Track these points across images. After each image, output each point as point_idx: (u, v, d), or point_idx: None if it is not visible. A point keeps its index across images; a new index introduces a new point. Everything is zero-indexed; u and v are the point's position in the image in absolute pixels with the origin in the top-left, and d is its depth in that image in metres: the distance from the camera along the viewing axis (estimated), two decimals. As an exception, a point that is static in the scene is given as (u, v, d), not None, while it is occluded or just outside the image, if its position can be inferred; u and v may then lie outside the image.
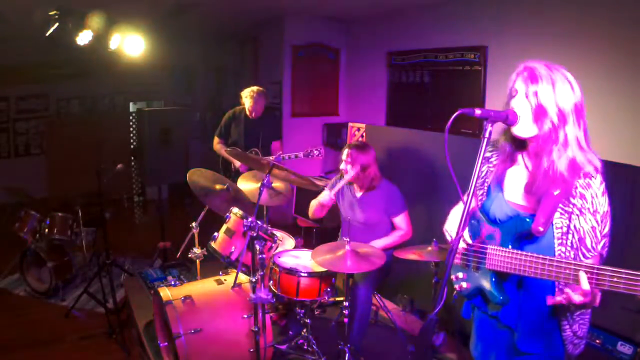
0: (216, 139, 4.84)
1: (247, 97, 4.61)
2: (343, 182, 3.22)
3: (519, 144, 1.60)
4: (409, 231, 3.25)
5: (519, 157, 1.61)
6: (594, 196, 1.44)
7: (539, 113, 1.44)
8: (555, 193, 1.46)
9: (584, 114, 1.47)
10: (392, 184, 3.28)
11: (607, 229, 1.47)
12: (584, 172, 1.44)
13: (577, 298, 1.31)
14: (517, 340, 1.57)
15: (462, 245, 1.62)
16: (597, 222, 1.44)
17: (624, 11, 3.20)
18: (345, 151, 3.25)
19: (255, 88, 4.65)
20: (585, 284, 1.26)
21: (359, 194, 3.32)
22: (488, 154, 1.72)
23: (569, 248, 1.47)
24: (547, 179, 1.45)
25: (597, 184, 1.44)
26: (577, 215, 1.45)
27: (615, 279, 1.20)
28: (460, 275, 1.68)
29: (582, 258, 1.46)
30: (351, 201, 3.34)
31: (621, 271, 1.20)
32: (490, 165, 1.70)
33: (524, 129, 1.48)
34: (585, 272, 1.26)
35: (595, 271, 1.25)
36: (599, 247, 1.46)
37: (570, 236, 1.47)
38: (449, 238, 1.69)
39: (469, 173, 1.44)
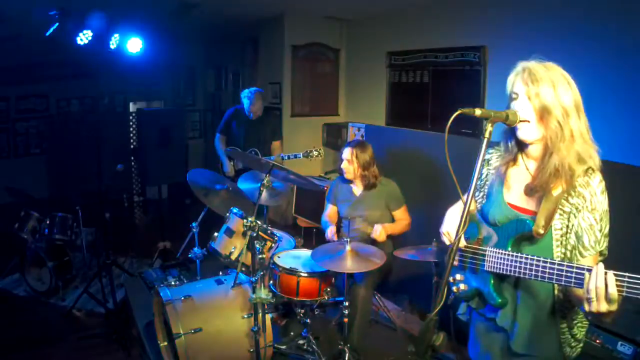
0: (218, 135, 4.86)
1: (245, 98, 4.64)
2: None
3: (519, 145, 1.60)
4: (410, 223, 3.32)
5: (519, 158, 1.61)
6: (592, 194, 1.43)
7: (544, 113, 1.44)
8: (556, 194, 1.45)
9: (582, 109, 1.47)
10: (389, 179, 3.33)
11: (607, 229, 1.46)
12: (584, 169, 1.44)
13: (603, 308, 1.22)
14: (513, 343, 1.57)
15: (461, 244, 1.62)
16: (595, 220, 1.43)
17: (624, 10, 3.20)
18: (347, 150, 3.27)
19: (253, 89, 4.67)
20: (612, 287, 1.20)
21: (358, 192, 3.34)
22: (487, 156, 1.71)
23: (568, 248, 1.47)
24: (556, 175, 1.44)
25: (596, 182, 1.44)
26: (575, 214, 1.44)
27: (617, 282, 1.19)
28: (459, 277, 1.67)
29: (579, 257, 1.45)
30: (351, 200, 3.35)
31: (624, 275, 1.19)
32: (490, 167, 1.70)
33: (531, 131, 1.47)
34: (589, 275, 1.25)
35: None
36: (599, 246, 1.45)
37: (568, 236, 1.46)
38: (447, 241, 1.68)
39: (469, 173, 1.44)
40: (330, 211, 3.55)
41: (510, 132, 1.59)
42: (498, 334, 1.64)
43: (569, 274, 1.30)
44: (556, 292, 1.51)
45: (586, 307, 1.25)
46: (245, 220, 2.59)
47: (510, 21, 3.99)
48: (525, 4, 3.87)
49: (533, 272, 1.37)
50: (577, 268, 1.29)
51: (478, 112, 1.39)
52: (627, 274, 1.19)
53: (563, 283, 1.32)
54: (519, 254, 1.43)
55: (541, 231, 1.43)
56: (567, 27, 3.52)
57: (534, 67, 1.46)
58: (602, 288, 1.21)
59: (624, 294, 1.19)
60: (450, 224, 1.70)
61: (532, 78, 1.44)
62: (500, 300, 1.54)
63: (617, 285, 1.19)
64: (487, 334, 1.70)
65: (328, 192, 3.59)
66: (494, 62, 4.20)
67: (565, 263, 1.32)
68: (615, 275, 1.20)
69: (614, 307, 1.22)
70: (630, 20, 3.16)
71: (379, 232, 3.10)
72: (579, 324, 1.55)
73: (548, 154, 1.47)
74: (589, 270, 1.25)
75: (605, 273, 1.21)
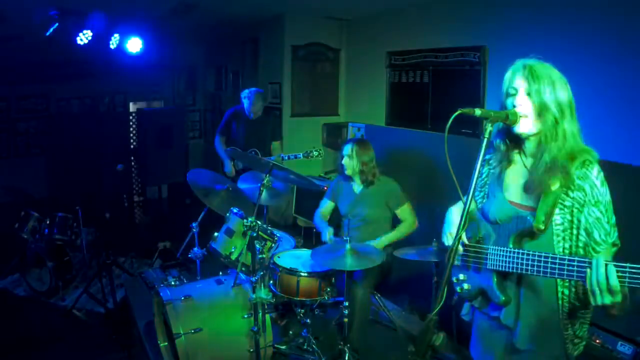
0: (217, 137, 4.86)
1: (245, 98, 4.64)
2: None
3: (515, 144, 1.61)
4: (414, 221, 3.28)
5: (516, 156, 1.62)
6: (593, 187, 1.44)
7: (542, 110, 1.46)
8: (554, 189, 1.46)
9: (575, 112, 1.50)
10: (391, 179, 3.32)
11: (614, 219, 1.47)
12: (581, 161, 1.45)
13: (607, 300, 1.24)
14: (517, 340, 1.57)
15: (460, 247, 1.62)
16: (600, 213, 1.44)
17: (625, 10, 3.20)
18: (348, 146, 3.28)
19: (253, 89, 4.67)
20: (614, 280, 1.21)
21: (358, 189, 3.34)
22: (488, 156, 1.73)
23: (574, 243, 1.47)
24: (550, 173, 1.46)
25: (595, 174, 1.45)
26: (579, 209, 1.45)
27: (619, 273, 1.21)
28: (462, 277, 1.67)
29: (592, 252, 1.46)
30: (351, 198, 3.36)
31: (625, 265, 1.20)
32: (491, 167, 1.71)
33: (528, 126, 1.49)
34: (590, 268, 1.26)
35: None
36: (610, 238, 1.46)
37: (574, 231, 1.47)
38: (446, 242, 1.70)
39: (469, 173, 1.44)
40: (325, 209, 3.53)
41: (503, 132, 1.60)
42: (502, 332, 1.64)
43: (570, 268, 1.31)
44: (560, 288, 1.51)
45: (592, 300, 1.26)
46: (245, 220, 2.59)
47: (510, 21, 3.99)
48: (525, 4, 3.87)
49: (535, 268, 1.38)
50: (578, 262, 1.30)
51: (478, 112, 1.41)
52: (628, 265, 1.20)
53: (565, 277, 1.33)
54: (521, 251, 1.43)
55: (541, 227, 1.44)
56: (567, 27, 3.51)
57: (534, 65, 1.49)
58: (603, 281, 1.22)
59: (626, 284, 1.20)
60: (452, 225, 1.72)
61: (532, 75, 1.47)
62: (504, 298, 1.55)
63: (619, 276, 1.20)
64: (490, 333, 1.71)
65: (328, 189, 3.60)
66: (494, 62, 4.19)
67: (566, 257, 1.33)
68: (616, 266, 1.21)
69: (618, 297, 1.23)
70: (631, 20, 3.16)
71: (377, 244, 3.11)
72: (582, 320, 1.56)
73: (540, 151, 1.49)
74: (590, 264, 1.26)
75: (606, 265, 1.23)
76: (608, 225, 1.45)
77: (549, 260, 1.35)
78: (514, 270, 1.46)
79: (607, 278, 1.22)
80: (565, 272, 1.32)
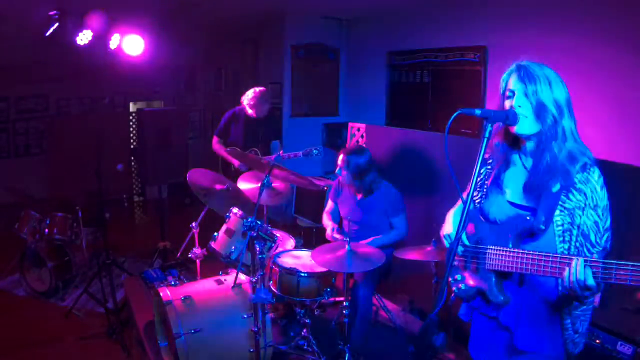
0: (215, 139, 4.84)
1: (252, 99, 4.56)
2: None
3: (514, 144, 1.61)
4: (406, 232, 3.26)
5: (515, 157, 1.62)
6: (593, 190, 1.45)
7: (541, 110, 1.46)
8: (555, 190, 1.46)
9: (572, 108, 1.50)
10: (392, 186, 3.29)
11: (608, 223, 1.48)
12: (581, 165, 1.45)
13: (587, 293, 1.30)
14: (516, 340, 1.57)
15: (460, 248, 1.62)
16: (598, 216, 1.45)
17: (626, 9, 3.20)
18: (339, 157, 3.25)
19: (257, 90, 4.62)
20: (590, 280, 1.26)
21: (358, 196, 3.33)
22: (486, 156, 1.73)
23: (572, 244, 1.48)
24: (550, 173, 1.47)
25: (596, 178, 1.46)
26: (579, 212, 1.45)
27: (621, 272, 1.21)
28: (459, 277, 1.68)
29: (587, 254, 1.47)
30: (351, 203, 3.34)
31: (627, 264, 1.21)
32: (489, 167, 1.71)
33: (527, 127, 1.50)
34: (590, 266, 1.27)
35: (601, 265, 1.25)
36: (603, 241, 1.47)
37: (574, 232, 1.47)
38: (447, 244, 1.70)
39: (469, 173, 1.45)
40: (330, 209, 3.54)
41: (502, 134, 1.61)
42: (501, 332, 1.64)
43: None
44: (560, 288, 1.51)
45: (571, 293, 1.33)
46: (245, 220, 2.59)
47: (510, 21, 3.99)
48: (525, 4, 3.87)
49: (536, 267, 1.39)
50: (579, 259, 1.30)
51: (478, 112, 1.42)
52: (629, 263, 1.20)
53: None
54: (521, 250, 1.44)
55: (542, 227, 1.45)
56: (567, 27, 3.52)
57: (530, 66, 1.50)
58: (582, 279, 1.28)
59: (628, 282, 1.21)
60: (451, 227, 1.72)
61: (529, 76, 1.48)
62: (502, 298, 1.55)
63: (622, 275, 1.21)
64: (490, 333, 1.71)
65: (331, 188, 3.58)
66: (494, 62, 4.20)
67: (567, 256, 1.33)
68: (619, 264, 1.22)
69: (594, 290, 1.30)
70: (631, 20, 3.16)
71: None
72: (582, 318, 1.56)
73: (540, 151, 1.49)
74: (587, 262, 1.28)
75: (585, 267, 1.27)
76: (603, 229, 1.47)
77: (550, 259, 1.36)
78: (514, 270, 1.46)
79: (584, 278, 1.27)
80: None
